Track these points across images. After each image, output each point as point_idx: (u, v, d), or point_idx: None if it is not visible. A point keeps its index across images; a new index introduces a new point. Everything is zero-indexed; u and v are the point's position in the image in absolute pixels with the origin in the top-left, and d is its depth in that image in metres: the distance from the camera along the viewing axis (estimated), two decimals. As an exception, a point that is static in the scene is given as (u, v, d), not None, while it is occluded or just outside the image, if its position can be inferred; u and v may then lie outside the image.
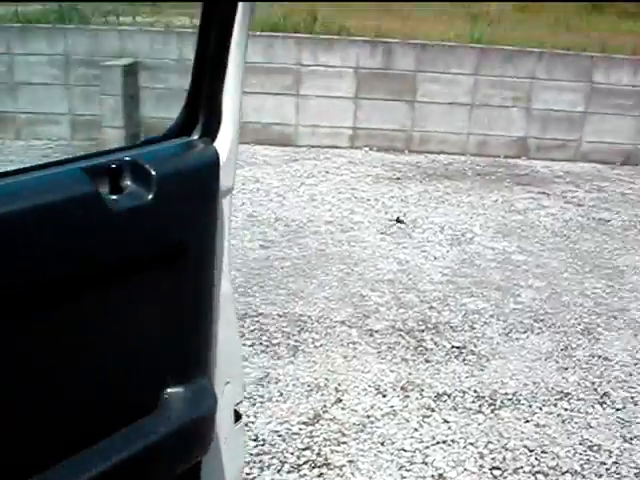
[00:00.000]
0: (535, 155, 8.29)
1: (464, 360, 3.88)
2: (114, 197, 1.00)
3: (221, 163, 1.10)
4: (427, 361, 3.85)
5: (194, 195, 1.06)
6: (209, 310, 1.11)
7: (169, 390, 1.08)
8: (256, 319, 4.17)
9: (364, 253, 5.21)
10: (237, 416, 1.30)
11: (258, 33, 8.12)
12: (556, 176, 7.69)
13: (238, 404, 1.27)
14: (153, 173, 1.01)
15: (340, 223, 5.79)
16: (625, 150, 8.38)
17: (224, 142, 1.12)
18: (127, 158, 1.03)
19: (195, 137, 1.13)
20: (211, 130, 1.12)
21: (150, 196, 1.01)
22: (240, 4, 1.07)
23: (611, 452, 3.22)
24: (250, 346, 3.89)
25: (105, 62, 7.50)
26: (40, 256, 0.88)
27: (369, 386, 3.58)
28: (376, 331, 4.12)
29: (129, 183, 1.02)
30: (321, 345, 3.94)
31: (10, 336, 0.89)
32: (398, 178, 7.12)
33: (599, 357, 4.03)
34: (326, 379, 3.62)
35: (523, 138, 8.27)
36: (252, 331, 4.04)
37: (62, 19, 8.58)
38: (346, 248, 5.29)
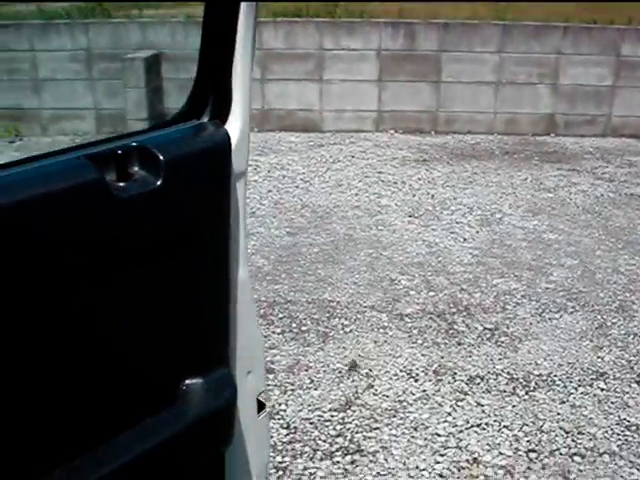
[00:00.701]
0: (564, 132, 8.14)
1: (497, 342, 3.82)
2: (121, 184, 0.97)
3: (233, 146, 1.07)
4: (459, 344, 3.80)
5: (205, 179, 1.02)
6: (225, 298, 1.08)
7: (187, 381, 1.04)
8: (285, 306, 4.15)
9: (392, 237, 5.16)
10: (260, 406, 1.27)
11: (279, 19, 8.07)
12: (586, 152, 7.54)
13: (261, 394, 1.24)
14: (161, 158, 0.98)
15: (367, 207, 5.74)
16: (656, 123, 8.20)
17: (235, 124, 1.09)
18: (134, 144, 1.00)
19: (205, 120, 1.09)
20: (221, 112, 1.08)
21: (159, 182, 0.98)
22: None
23: (650, 431, 3.15)
24: (279, 334, 3.86)
25: (127, 55, 7.49)
26: (45, 247, 0.85)
27: (400, 371, 3.54)
28: (406, 315, 4.08)
29: (137, 169, 0.99)
30: (351, 331, 3.90)
31: (19, 332, 0.87)
32: (425, 160, 7.03)
33: (635, 335, 3.95)
34: (357, 364, 3.58)
35: (551, 115, 8.12)
36: (281, 319, 4.01)
37: (84, 14, 8.58)
38: (374, 232, 5.24)
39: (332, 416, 3.20)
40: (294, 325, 3.96)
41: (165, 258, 0.98)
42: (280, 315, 4.05)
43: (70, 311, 0.91)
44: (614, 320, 4.09)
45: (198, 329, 1.05)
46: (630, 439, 3.10)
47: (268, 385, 3.39)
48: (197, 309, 1.03)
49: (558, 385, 3.46)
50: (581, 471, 2.89)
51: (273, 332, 3.88)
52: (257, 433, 1.27)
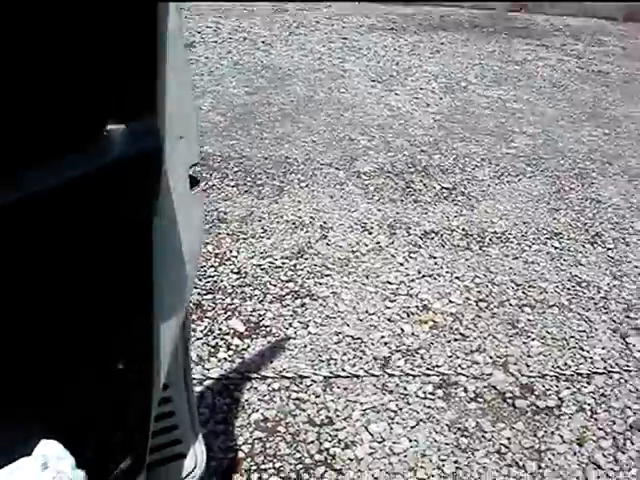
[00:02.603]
0: (535, 9, 7.95)
1: (453, 201, 3.78)
2: None
3: None
4: (415, 201, 3.75)
5: None
6: (152, 46, 0.97)
7: (109, 127, 0.95)
8: (240, 161, 4.04)
9: (354, 99, 5.03)
10: (193, 182, 1.18)
11: None
12: (556, 29, 7.39)
13: (193, 166, 1.15)
14: None
15: (330, 71, 5.57)
16: (629, 5, 8.02)
17: None
18: None
19: None
20: None
21: None
22: None
23: (600, 288, 3.17)
24: (233, 187, 3.77)
25: None
26: None
27: (355, 224, 3.49)
28: (364, 173, 4.00)
29: None
30: (307, 186, 3.82)
31: None
32: (392, 29, 6.82)
33: (592, 200, 3.93)
34: (311, 217, 3.52)
35: (523, -10, 7.90)
36: (236, 172, 3.91)
37: None
38: (335, 95, 5.10)
39: (283, 263, 3.15)
40: (249, 179, 3.86)
41: None
42: (235, 169, 3.95)
43: None
44: (572, 186, 4.07)
45: (121, 72, 0.94)
46: (580, 294, 3.11)
47: (219, 234, 3.33)
48: (118, 54, 0.93)
49: (512, 242, 3.45)
50: (530, 321, 2.90)
51: (227, 185, 3.79)
52: (189, 210, 1.19)
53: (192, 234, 1.22)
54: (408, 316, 2.85)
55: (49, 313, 1.02)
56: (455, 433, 2.34)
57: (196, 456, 1.66)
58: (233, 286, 2.97)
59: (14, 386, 1.03)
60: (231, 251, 3.21)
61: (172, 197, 1.13)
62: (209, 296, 2.90)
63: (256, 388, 2.47)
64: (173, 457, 1.61)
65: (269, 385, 2.48)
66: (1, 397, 1.03)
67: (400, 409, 2.41)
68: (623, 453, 2.29)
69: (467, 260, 3.27)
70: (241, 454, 2.23)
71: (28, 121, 0.87)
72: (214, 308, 2.83)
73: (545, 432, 2.38)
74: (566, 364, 2.67)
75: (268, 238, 3.33)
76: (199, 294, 2.90)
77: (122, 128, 0.95)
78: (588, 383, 2.59)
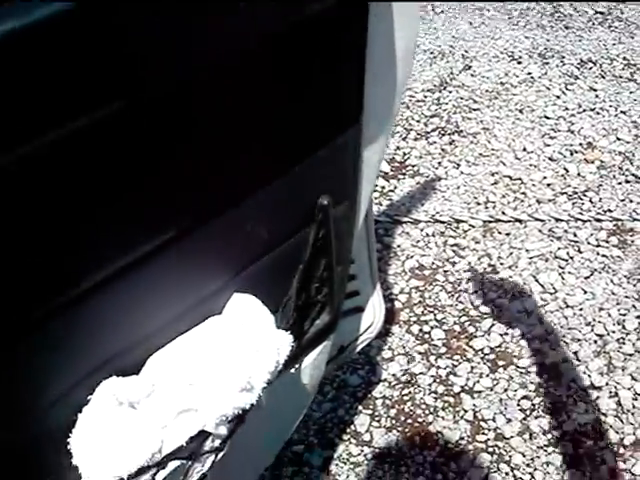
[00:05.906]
0: None
1: (610, 27, 3.33)
2: None
3: None
4: (567, 27, 3.32)
5: None
6: None
7: None
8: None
9: None
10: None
11: None
12: None
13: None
14: None
15: None
16: None
17: None
18: None
19: None
20: None
21: None
22: None
23: None
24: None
25: None
26: None
27: (501, 53, 3.12)
28: (505, -5, 3.57)
29: None
30: (442, 12, 3.43)
31: None
32: None
33: None
34: (451, 46, 3.16)
35: None
36: None
37: None
38: None
39: (425, 97, 2.84)
40: None
41: None
42: None
43: None
44: None
45: None
46: None
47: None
48: None
49: (682, 73, 3.02)
50: None
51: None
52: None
53: (408, 28, 0.94)
54: (571, 155, 2.53)
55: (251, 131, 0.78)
56: (635, 285, 2.08)
57: (374, 310, 1.46)
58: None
59: (203, 234, 0.81)
60: (366, 84, 2.91)
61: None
62: (347, 133, 2.64)
63: (408, 233, 2.25)
64: (351, 310, 1.42)
65: (422, 230, 2.25)
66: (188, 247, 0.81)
67: (571, 258, 2.15)
68: None
69: (632, 93, 2.88)
70: (398, 304, 2.04)
71: None
72: (354, 146, 2.58)
73: None
74: None
75: (405, 69, 3.00)
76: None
77: None
78: None
